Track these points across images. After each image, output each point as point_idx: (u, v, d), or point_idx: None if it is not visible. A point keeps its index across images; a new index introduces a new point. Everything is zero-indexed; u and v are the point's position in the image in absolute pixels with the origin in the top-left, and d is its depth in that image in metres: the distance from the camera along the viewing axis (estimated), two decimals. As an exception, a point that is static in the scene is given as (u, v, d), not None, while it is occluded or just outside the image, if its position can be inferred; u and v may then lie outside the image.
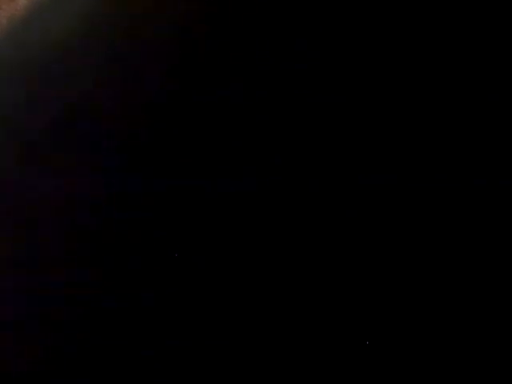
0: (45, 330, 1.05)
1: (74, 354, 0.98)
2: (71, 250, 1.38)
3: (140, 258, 0.99)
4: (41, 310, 1.18)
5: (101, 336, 0.81)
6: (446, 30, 1.54)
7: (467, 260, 1.25)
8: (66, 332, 0.94)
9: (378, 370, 0.85)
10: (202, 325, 1.06)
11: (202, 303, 1.21)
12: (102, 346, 0.89)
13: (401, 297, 1.12)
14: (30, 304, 1.13)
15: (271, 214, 0.93)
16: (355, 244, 0.94)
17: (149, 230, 0.88)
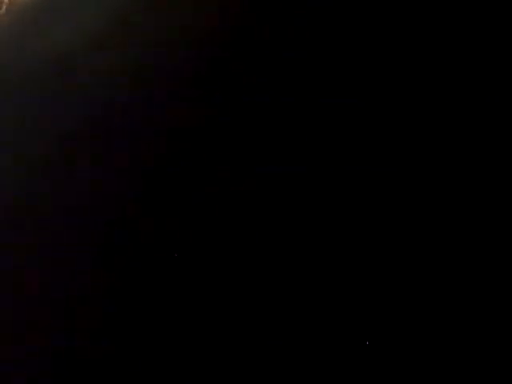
0: (49, 329, 1.04)
1: (75, 353, 0.98)
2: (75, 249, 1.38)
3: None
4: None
5: (100, 335, 0.80)
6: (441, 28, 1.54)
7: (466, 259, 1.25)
8: (69, 332, 0.93)
9: (378, 370, 0.85)
10: (203, 323, 1.05)
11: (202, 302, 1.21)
12: (102, 346, 0.88)
13: (400, 297, 1.12)
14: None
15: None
16: (355, 242, 0.93)
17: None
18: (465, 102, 1.40)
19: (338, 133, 1.49)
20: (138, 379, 1.24)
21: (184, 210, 1.34)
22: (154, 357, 1.26)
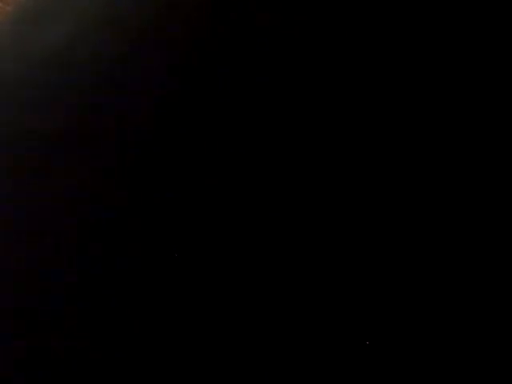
0: (43, 326, 1.04)
1: (72, 352, 0.98)
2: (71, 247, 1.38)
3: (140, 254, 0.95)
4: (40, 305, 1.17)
5: (99, 336, 0.80)
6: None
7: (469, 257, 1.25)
8: (66, 330, 0.93)
9: (378, 370, 0.85)
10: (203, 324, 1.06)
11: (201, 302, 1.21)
12: (100, 346, 0.88)
13: (400, 297, 1.12)
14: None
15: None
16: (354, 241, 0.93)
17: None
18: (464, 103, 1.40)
19: (339, 131, 1.49)
20: (137, 379, 1.23)
21: (183, 208, 1.33)
22: (154, 356, 1.26)
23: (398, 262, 0.55)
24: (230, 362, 0.57)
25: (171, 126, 0.59)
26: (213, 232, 0.58)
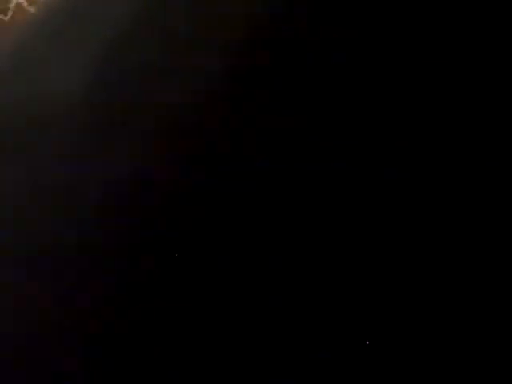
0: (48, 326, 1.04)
1: (71, 353, 0.97)
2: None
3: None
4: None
5: (100, 336, 0.80)
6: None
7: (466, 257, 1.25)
8: (67, 331, 0.93)
9: (378, 370, 0.85)
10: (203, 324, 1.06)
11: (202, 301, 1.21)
12: (101, 347, 0.88)
13: (400, 297, 1.12)
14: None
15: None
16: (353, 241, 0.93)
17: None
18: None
19: (343, 133, 1.49)
20: (137, 379, 1.23)
21: (184, 207, 1.32)
22: (154, 358, 1.26)
23: (398, 263, 0.55)
24: (230, 362, 0.57)
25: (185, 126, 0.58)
26: (213, 231, 0.58)
